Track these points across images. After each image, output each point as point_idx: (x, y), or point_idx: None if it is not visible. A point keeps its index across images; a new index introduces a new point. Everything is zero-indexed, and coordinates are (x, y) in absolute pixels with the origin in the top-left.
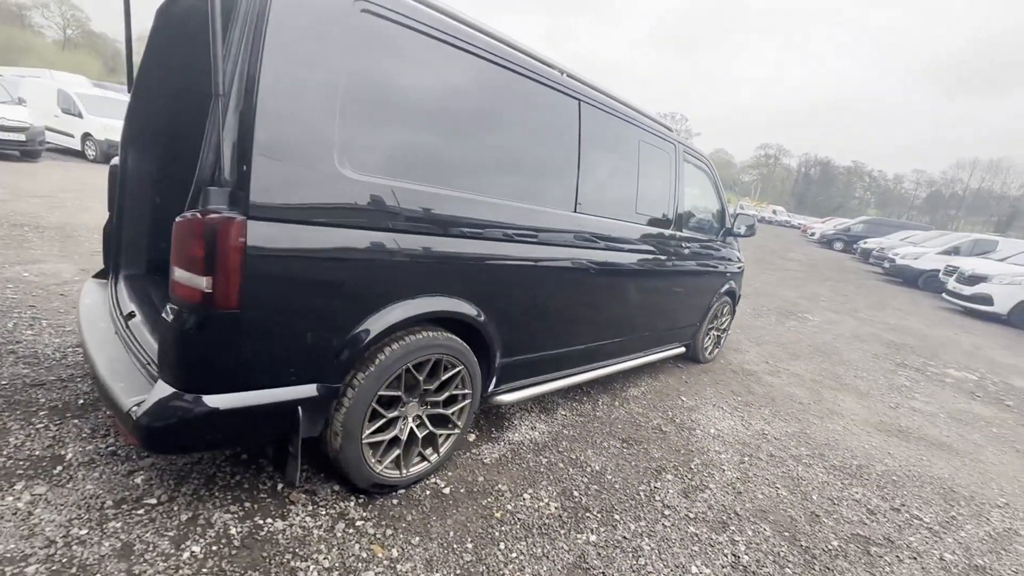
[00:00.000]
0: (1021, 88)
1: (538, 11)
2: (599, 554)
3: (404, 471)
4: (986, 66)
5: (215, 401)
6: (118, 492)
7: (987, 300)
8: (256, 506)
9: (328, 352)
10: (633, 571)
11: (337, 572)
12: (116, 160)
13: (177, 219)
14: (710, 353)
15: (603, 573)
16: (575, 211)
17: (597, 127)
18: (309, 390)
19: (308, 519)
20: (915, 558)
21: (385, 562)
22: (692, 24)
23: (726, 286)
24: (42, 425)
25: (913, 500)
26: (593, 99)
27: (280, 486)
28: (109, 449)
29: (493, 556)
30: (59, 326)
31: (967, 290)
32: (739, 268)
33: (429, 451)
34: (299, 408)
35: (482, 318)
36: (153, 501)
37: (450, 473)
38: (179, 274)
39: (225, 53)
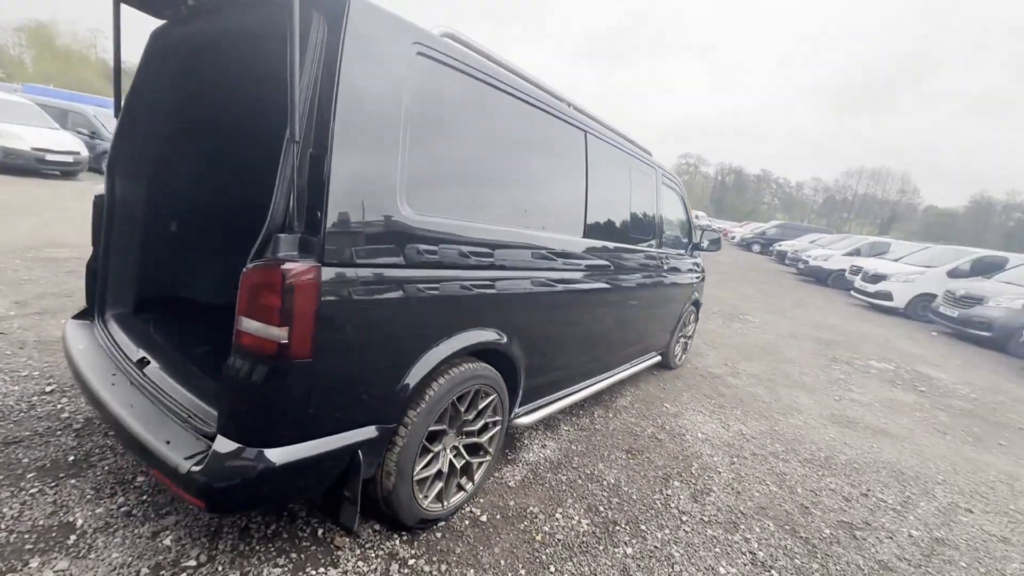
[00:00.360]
0: (896, 105)
1: (463, 20)
2: (639, 566)
3: (445, 503)
4: (870, 86)
5: (282, 453)
6: (150, 557)
7: (888, 296)
8: (303, 556)
9: (388, 392)
10: None
11: None
12: (101, 189)
13: (247, 269)
14: (679, 359)
15: None
16: (584, 236)
17: (599, 157)
18: (369, 432)
19: (361, 563)
20: (891, 537)
21: None
22: (612, 44)
23: (693, 296)
24: (35, 489)
25: (875, 485)
26: (594, 130)
27: (320, 531)
28: (123, 510)
29: None
30: (12, 372)
31: (871, 287)
32: (701, 278)
33: (464, 480)
34: (359, 452)
35: (509, 344)
36: (193, 563)
37: (482, 500)
38: (249, 325)
39: (302, 99)
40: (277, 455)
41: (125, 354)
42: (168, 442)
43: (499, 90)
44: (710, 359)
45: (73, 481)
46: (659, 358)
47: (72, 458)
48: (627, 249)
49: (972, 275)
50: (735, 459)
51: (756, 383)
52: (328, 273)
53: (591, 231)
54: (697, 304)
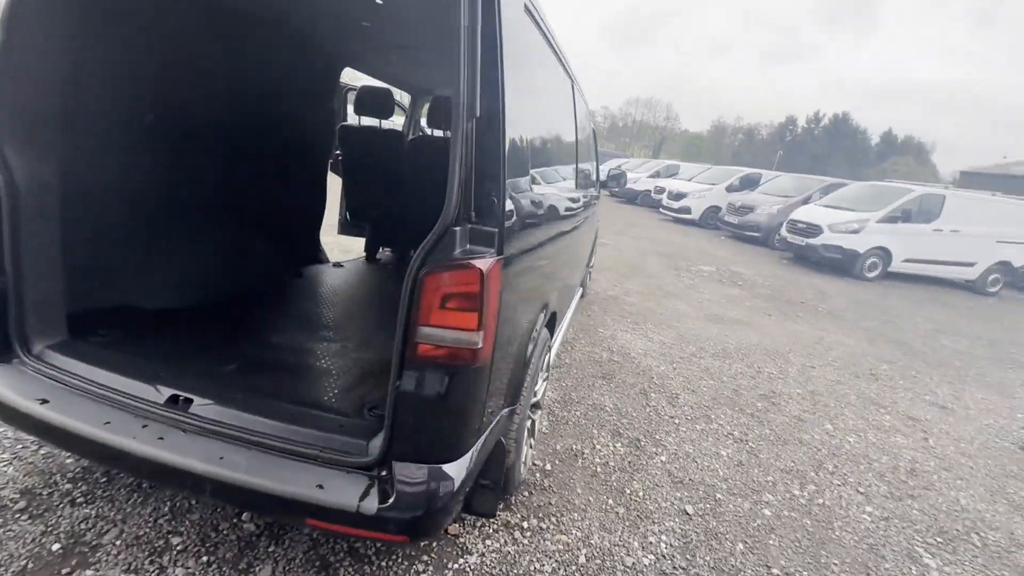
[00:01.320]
0: (660, 40)
1: None
2: (677, 467)
3: (526, 464)
4: (639, 22)
5: (464, 461)
6: None
7: (688, 211)
8: (432, 556)
9: (518, 371)
10: (700, 469)
11: (563, 570)
12: None
13: (426, 271)
14: (587, 287)
15: (691, 479)
16: (575, 187)
17: (578, 106)
18: (504, 416)
19: (488, 541)
20: (790, 398)
21: (578, 542)
22: None
23: (598, 228)
24: None
25: (760, 362)
26: (574, 78)
27: None
28: None
29: (633, 501)
30: None
31: (676, 204)
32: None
33: (529, 437)
34: (501, 438)
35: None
36: None
37: (532, 451)
38: (434, 334)
39: (484, 66)
40: (461, 465)
41: (135, 395)
42: (320, 486)
43: (548, 44)
44: (601, 283)
45: (89, 573)
46: (581, 288)
47: (57, 546)
48: (586, 195)
49: (742, 189)
50: (673, 364)
51: (644, 298)
52: (505, 265)
53: (579, 179)
54: (597, 234)
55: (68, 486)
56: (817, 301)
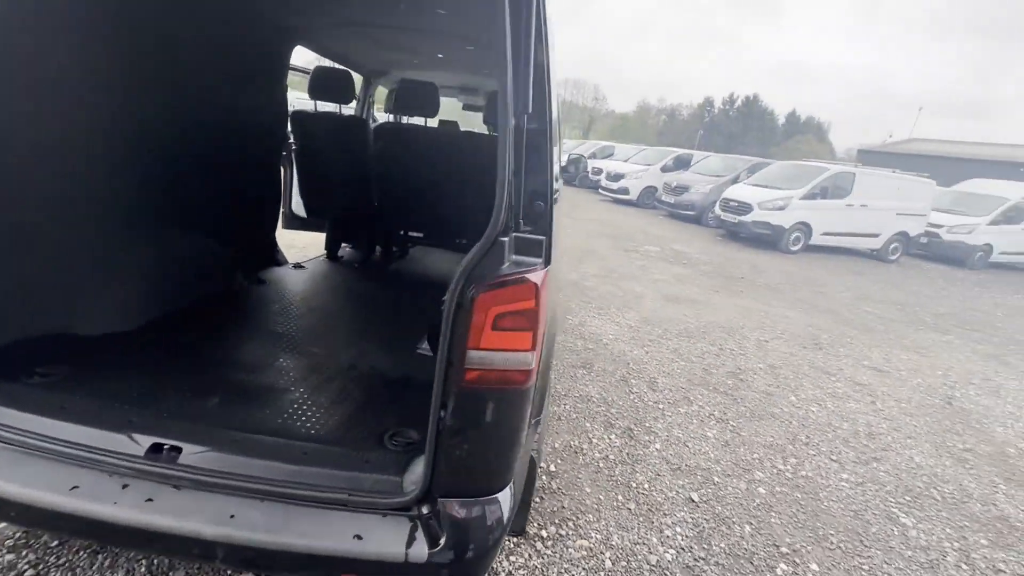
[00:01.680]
0: (584, 21)
1: None
2: (671, 454)
3: None
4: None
5: (509, 490)
6: None
7: (626, 191)
8: None
9: (544, 382)
10: (692, 453)
11: None
12: None
13: (476, 289)
14: None
15: (687, 465)
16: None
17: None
18: (532, 428)
19: (512, 558)
20: (756, 373)
21: (600, 545)
22: None
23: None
24: None
25: (721, 340)
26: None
27: None
28: None
29: (640, 493)
30: None
31: (615, 185)
32: None
33: None
34: (532, 452)
35: None
36: None
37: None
38: (490, 358)
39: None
40: (508, 492)
41: (105, 449)
42: (359, 536)
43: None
44: (560, 268)
45: None
46: None
47: None
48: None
49: (675, 169)
50: (644, 348)
51: (602, 282)
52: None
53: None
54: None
55: (10, 557)
56: (754, 275)
